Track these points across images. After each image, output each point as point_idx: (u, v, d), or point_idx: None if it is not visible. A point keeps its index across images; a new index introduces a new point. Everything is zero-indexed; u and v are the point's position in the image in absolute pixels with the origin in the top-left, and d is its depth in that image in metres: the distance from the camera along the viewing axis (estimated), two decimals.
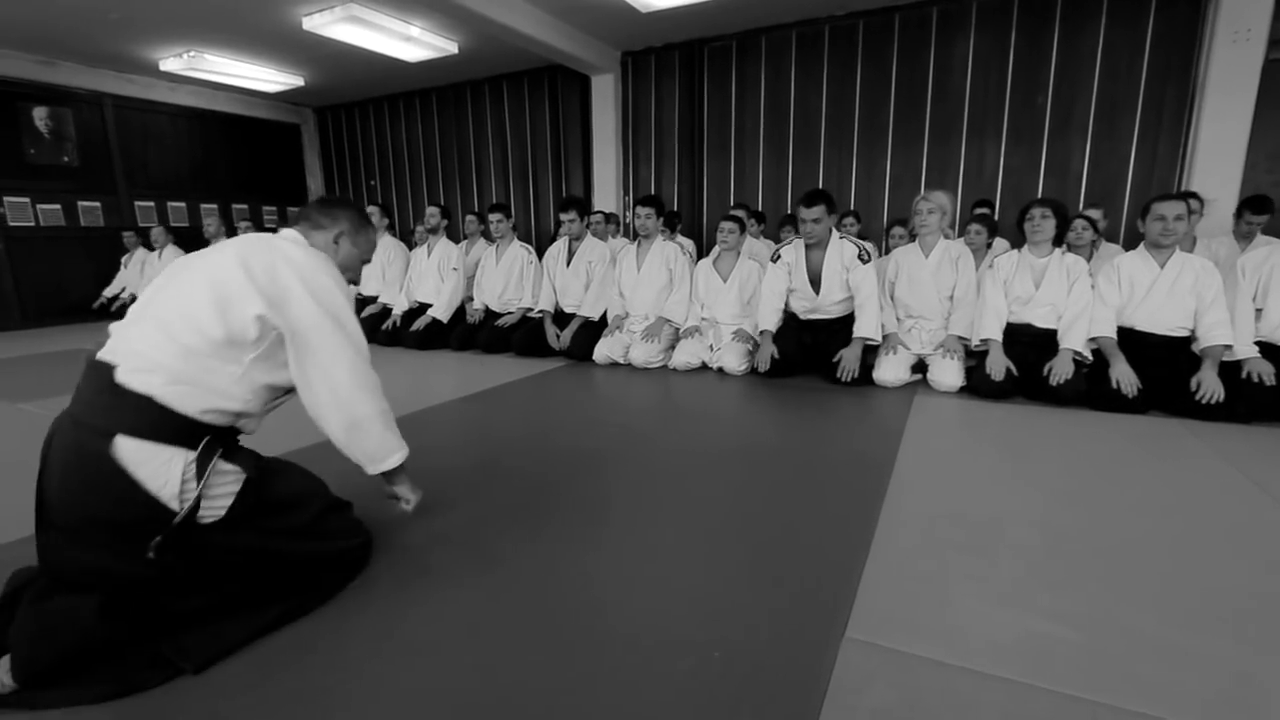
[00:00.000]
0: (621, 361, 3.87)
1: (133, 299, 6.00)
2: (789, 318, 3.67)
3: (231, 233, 6.44)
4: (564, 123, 6.87)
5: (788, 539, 1.67)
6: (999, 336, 3.11)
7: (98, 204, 6.91)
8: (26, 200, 6.39)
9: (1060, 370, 2.89)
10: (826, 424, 2.75)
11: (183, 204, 7.61)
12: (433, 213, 4.89)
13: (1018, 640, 1.23)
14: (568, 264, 4.25)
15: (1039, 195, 4.99)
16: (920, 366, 3.37)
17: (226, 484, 1.25)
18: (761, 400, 3.13)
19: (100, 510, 1.14)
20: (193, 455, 1.19)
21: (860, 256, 3.41)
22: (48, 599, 1.16)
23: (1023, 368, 3.00)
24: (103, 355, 1.22)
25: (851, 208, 5.60)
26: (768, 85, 5.80)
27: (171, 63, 6.24)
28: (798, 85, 5.67)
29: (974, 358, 3.24)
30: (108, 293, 6.76)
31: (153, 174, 7.32)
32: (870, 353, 3.39)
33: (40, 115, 6.40)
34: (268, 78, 6.80)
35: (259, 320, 1.25)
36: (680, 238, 5.37)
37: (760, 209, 5.88)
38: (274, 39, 5.71)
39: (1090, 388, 2.88)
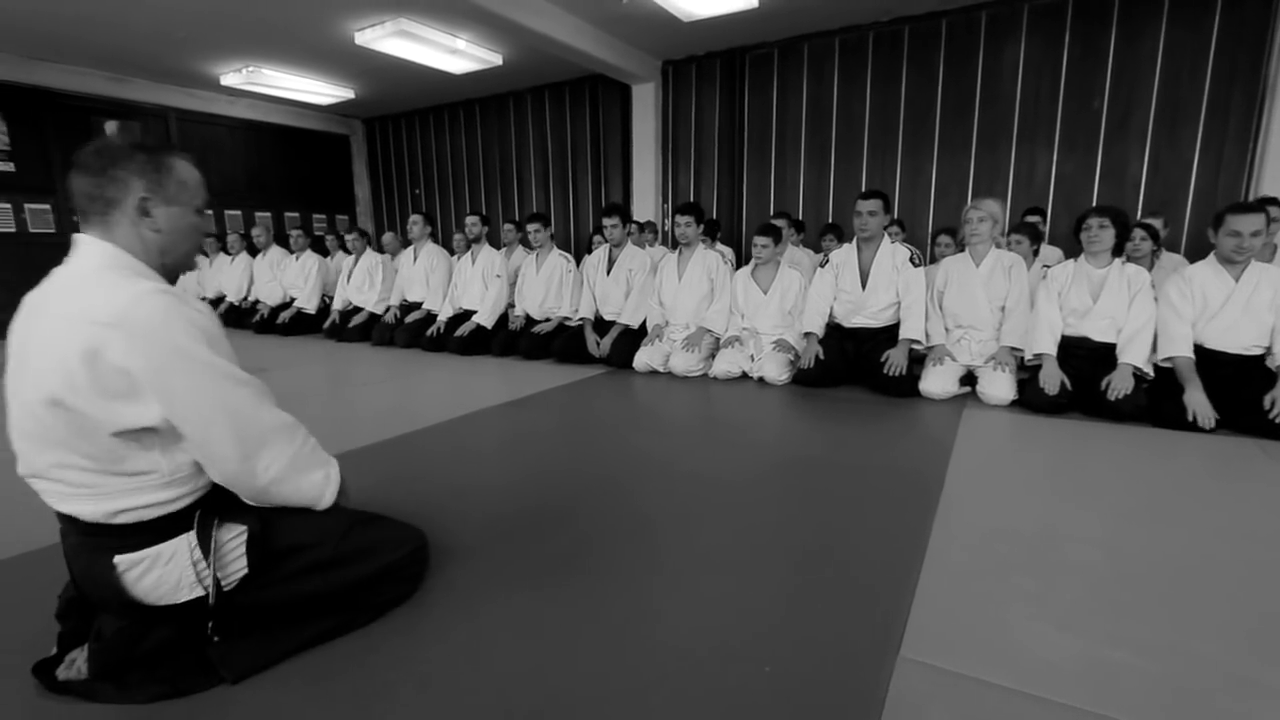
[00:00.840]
0: (661, 370, 3.87)
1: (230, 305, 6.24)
2: (832, 329, 3.61)
3: (280, 241, 6.64)
4: (604, 131, 6.94)
5: (837, 553, 1.64)
6: (1053, 351, 2.99)
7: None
8: None
9: (1119, 386, 2.75)
10: (872, 436, 2.69)
11: (238, 212, 7.94)
12: (473, 221, 5.00)
13: (1081, 665, 1.18)
14: (608, 272, 4.27)
15: (1094, 203, 4.83)
16: (969, 379, 3.26)
17: (238, 544, 1.16)
18: (804, 411, 3.09)
19: (129, 605, 1.13)
20: (192, 536, 1.12)
21: (912, 260, 3.37)
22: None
23: (1078, 382, 2.87)
24: (56, 507, 1.11)
25: (895, 216, 5.51)
26: (810, 92, 5.76)
27: (231, 77, 6.53)
28: (840, 91, 5.62)
29: (1026, 370, 3.13)
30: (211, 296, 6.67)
31: (212, 183, 7.49)
32: (916, 364, 3.31)
33: (111, 129, 6.77)
34: (320, 90, 7.06)
35: (122, 435, 1.04)
36: (720, 246, 5.35)
37: (800, 217, 5.83)
38: (327, 54, 5.93)
39: (1153, 404, 2.73)
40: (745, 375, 3.69)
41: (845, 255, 3.54)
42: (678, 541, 1.71)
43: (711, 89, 6.20)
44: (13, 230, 6.22)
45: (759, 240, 3.72)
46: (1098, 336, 2.97)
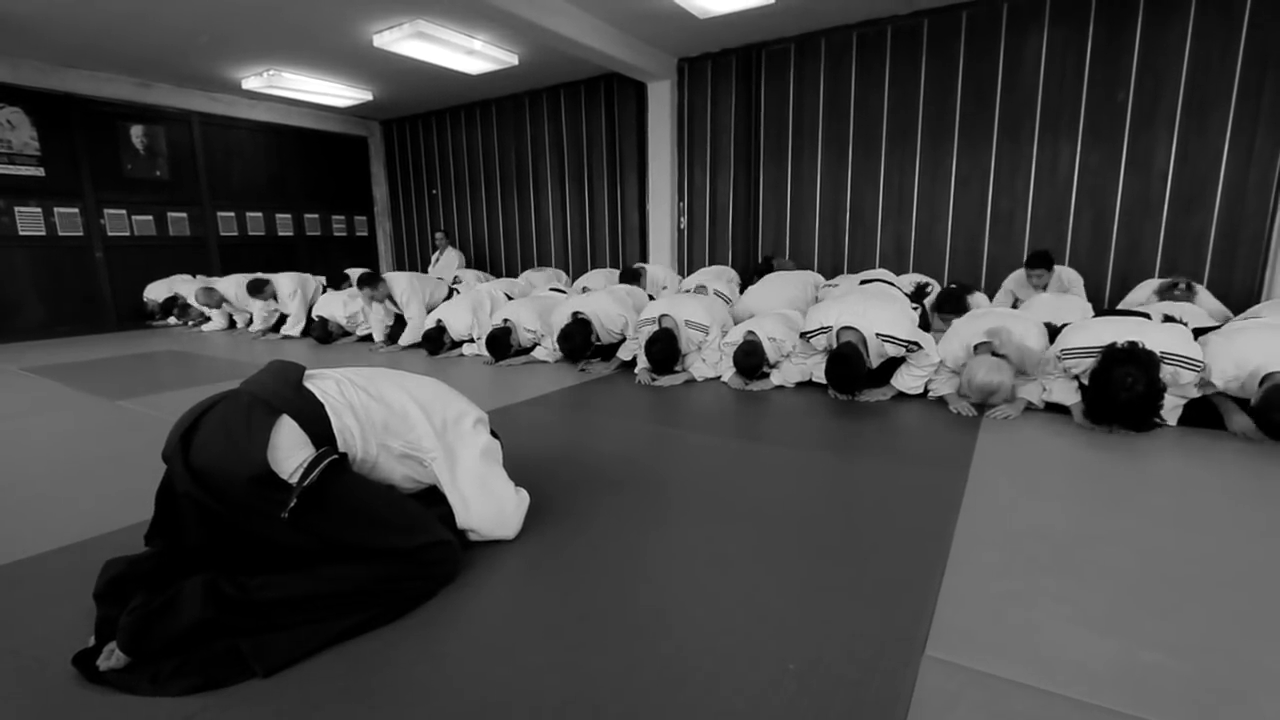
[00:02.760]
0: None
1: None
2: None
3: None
4: (620, 130, 6.94)
5: (860, 551, 1.63)
6: (1077, 398, 2.73)
7: (184, 215, 7.38)
8: (124, 212, 6.90)
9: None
10: (893, 434, 2.66)
11: (259, 214, 8.06)
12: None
13: (1115, 666, 1.16)
14: None
15: (1119, 195, 4.73)
16: None
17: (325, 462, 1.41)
18: (821, 408, 3.06)
19: (234, 468, 1.32)
20: (313, 454, 1.38)
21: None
22: (157, 591, 1.24)
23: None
24: (309, 372, 1.54)
25: (914, 212, 5.46)
26: (827, 86, 5.71)
27: (253, 81, 6.63)
28: (858, 85, 5.55)
29: None
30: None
31: (234, 186, 7.78)
32: None
33: (137, 133, 6.91)
34: (339, 93, 7.14)
35: (427, 454, 1.59)
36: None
37: (818, 213, 5.82)
38: (346, 56, 6.00)
39: (1187, 407, 2.61)
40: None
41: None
42: (700, 539, 1.71)
43: (727, 86, 6.17)
44: (43, 234, 6.36)
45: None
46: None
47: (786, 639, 1.26)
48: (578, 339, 3.89)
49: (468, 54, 5.70)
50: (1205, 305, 3.73)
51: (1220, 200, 4.47)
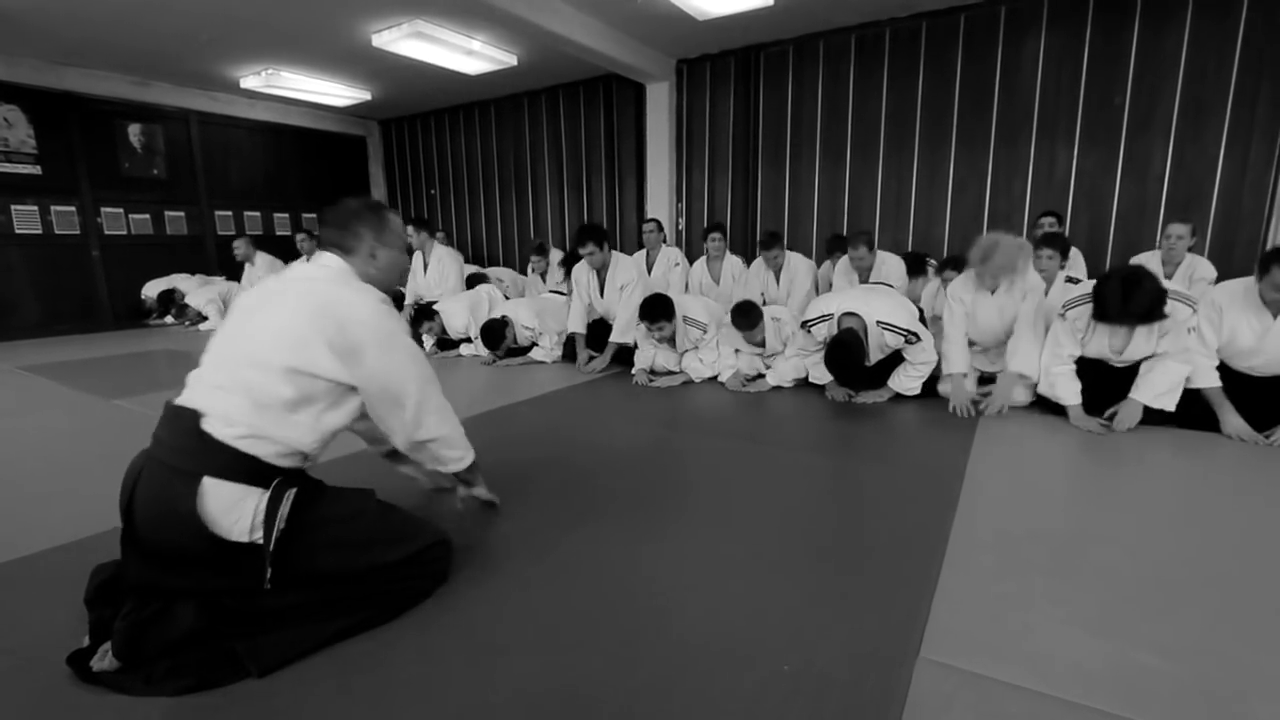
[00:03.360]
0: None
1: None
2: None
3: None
4: (618, 131, 6.94)
5: (856, 552, 1.63)
6: (1077, 400, 2.73)
7: (182, 213, 7.36)
8: (121, 211, 6.88)
9: (1126, 420, 2.60)
10: (889, 435, 2.67)
11: (257, 213, 8.04)
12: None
13: (1109, 668, 1.16)
14: (601, 293, 4.09)
15: (1116, 199, 4.75)
16: (984, 379, 3.17)
17: (287, 504, 1.29)
18: (817, 409, 3.07)
19: (182, 542, 1.24)
20: (265, 495, 1.27)
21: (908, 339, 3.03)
22: (148, 596, 1.24)
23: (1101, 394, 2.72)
24: (184, 402, 1.30)
25: (911, 215, 5.47)
26: (825, 89, 5.71)
27: (251, 80, 6.62)
28: (857, 88, 5.57)
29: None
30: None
31: (231, 185, 7.76)
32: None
33: (134, 132, 6.89)
34: (338, 92, 7.13)
35: (331, 381, 1.36)
36: (732, 257, 5.17)
37: (815, 215, 5.83)
38: (345, 56, 5.99)
39: (1179, 408, 2.60)
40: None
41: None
42: (695, 541, 1.71)
43: (726, 87, 6.18)
44: (39, 232, 6.34)
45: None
46: (1121, 365, 2.75)
47: (781, 640, 1.26)
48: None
49: (466, 54, 5.70)
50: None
51: (1216, 205, 4.49)
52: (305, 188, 8.50)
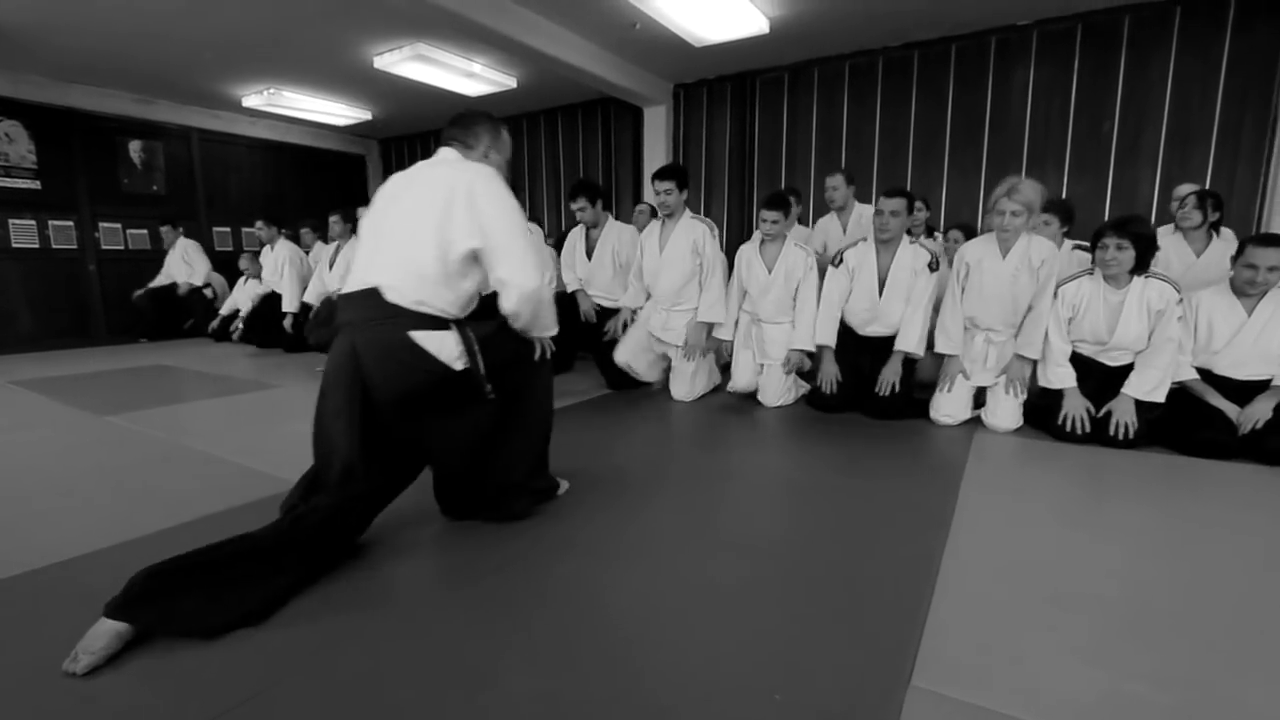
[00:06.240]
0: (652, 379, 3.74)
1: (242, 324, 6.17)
2: (845, 336, 3.37)
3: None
4: (616, 152, 7.03)
5: (846, 580, 1.63)
6: (1072, 383, 2.83)
7: (181, 230, 7.37)
8: (118, 226, 6.91)
9: (1122, 418, 2.67)
10: (880, 461, 2.67)
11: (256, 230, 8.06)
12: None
13: (1100, 699, 1.16)
14: (589, 255, 3.92)
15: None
16: (982, 396, 3.13)
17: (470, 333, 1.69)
18: (807, 433, 3.06)
19: (416, 382, 1.60)
20: (451, 332, 1.64)
21: (930, 265, 3.13)
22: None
23: (1097, 402, 2.78)
24: (362, 285, 1.62)
25: (924, 211, 5.53)
26: (820, 115, 5.81)
27: (253, 99, 6.69)
28: (851, 115, 5.67)
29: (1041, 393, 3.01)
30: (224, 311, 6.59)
31: (231, 202, 7.80)
32: (927, 388, 3.25)
33: (135, 148, 6.94)
34: (339, 112, 7.21)
35: (470, 253, 1.65)
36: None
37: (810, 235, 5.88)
38: (347, 76, 6.07)
39: (1170, 429, 2.69)
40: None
41: (862, 256, 3.25)
42: (682, 565, 1.71)
43: (722, 111, 6.28)
44: (36, 246, 6.35)
45: (766, 214, 3.34)
46: (1113, 363, 2.86)
47: (771, 668, 1.25)
48: None
49: (467, 76, 5.79)
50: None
51: None
52: (304, 205, 8.54)
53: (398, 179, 1.76)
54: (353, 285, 1.65)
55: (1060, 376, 2.85)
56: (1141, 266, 2.70)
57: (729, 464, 2.61)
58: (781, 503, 2.18)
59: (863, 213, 4.13)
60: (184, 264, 6.76)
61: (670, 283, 3.50)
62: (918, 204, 4.36)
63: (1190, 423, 2.67)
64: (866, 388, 3.23)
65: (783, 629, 1.39)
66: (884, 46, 5.38)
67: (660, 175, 3.41)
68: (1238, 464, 2.54)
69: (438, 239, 1.61)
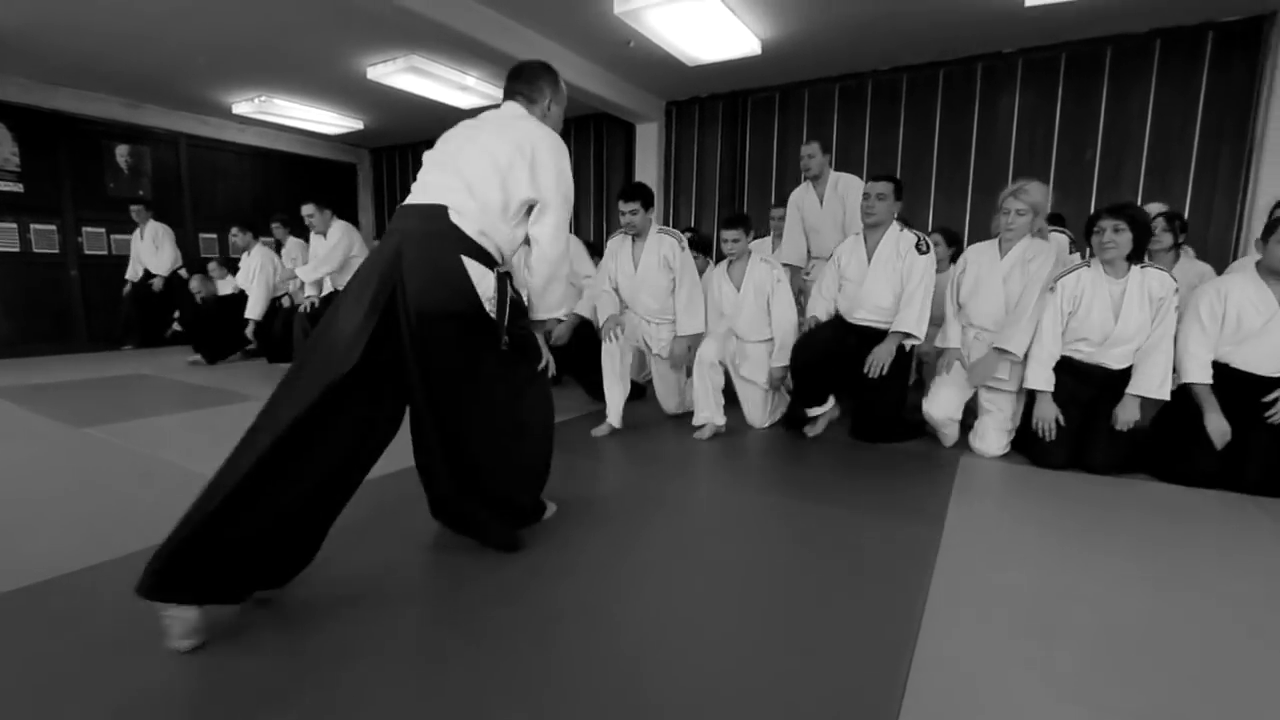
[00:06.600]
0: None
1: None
2: (833, 319, 3.31)
3: None
4: (608, 166, 7.07)
5: (832, 611, 1.63)
6: (1049, 389, 2.75)
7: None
8: (102, 231, 6.82)
9: (1126, 418, 2.62)
10: (866, 481, 2.67)
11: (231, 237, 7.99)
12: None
13: None
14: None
15: (1087, 250, 4.90)
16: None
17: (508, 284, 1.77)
18: (790, 458, 3.04)
19: (450, 304, 1.63)
20: (493, 275, 1.70)
21: (918, 246, 3.03)
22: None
23: (1078, 414, 2.73)
24: (429, 200, 1.68)
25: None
26: (810, 135, 5.87)
27: (243, 106, 6.66)
28: (840, 135, 5.74)
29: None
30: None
31: (218, 208, 7.73)
32: (917, 391, 3.20)
33: (122, 153, 6.87)
34: (330, 121, 7.19)
35: (526, 203, 1.76)
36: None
37: None
38: (339, 86, 6.06)
39: (1158, 456, 2.65)
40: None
41: (852, 245, 3.22)
42: (660, 599, 1.69)
43: (714, 129, 6.34)
44: (17, 250, 6.25)
45: (727, 234, 3.35)
46: (1116, 364, 2.72)
47: (754, 706, 1.25)
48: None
49: (460, 89, 5.80)
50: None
51: None
52: (293, 212, 8.45)
53: (466, 124, 1.85)
54: (417, 199, 1.70)
55: (1041, 379, 2.77)
56: (1138, 254, 2.66)
57: (710, 486, 2.60)
58: (763, 528, 2.17)
59: (838, 180, 3.91)
60: (154, 248, 6.48)
61: (650, 299, 3.49)
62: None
63: (1173, 451, 2.65)
64: (851, 366, 3.08)
65: (764, 666, 1.39)
66: (873, 70, 5.47)
67: (625, 197, 3.36)
68: (1220, 492, 2.55)
69: (502, 183, 1.70)
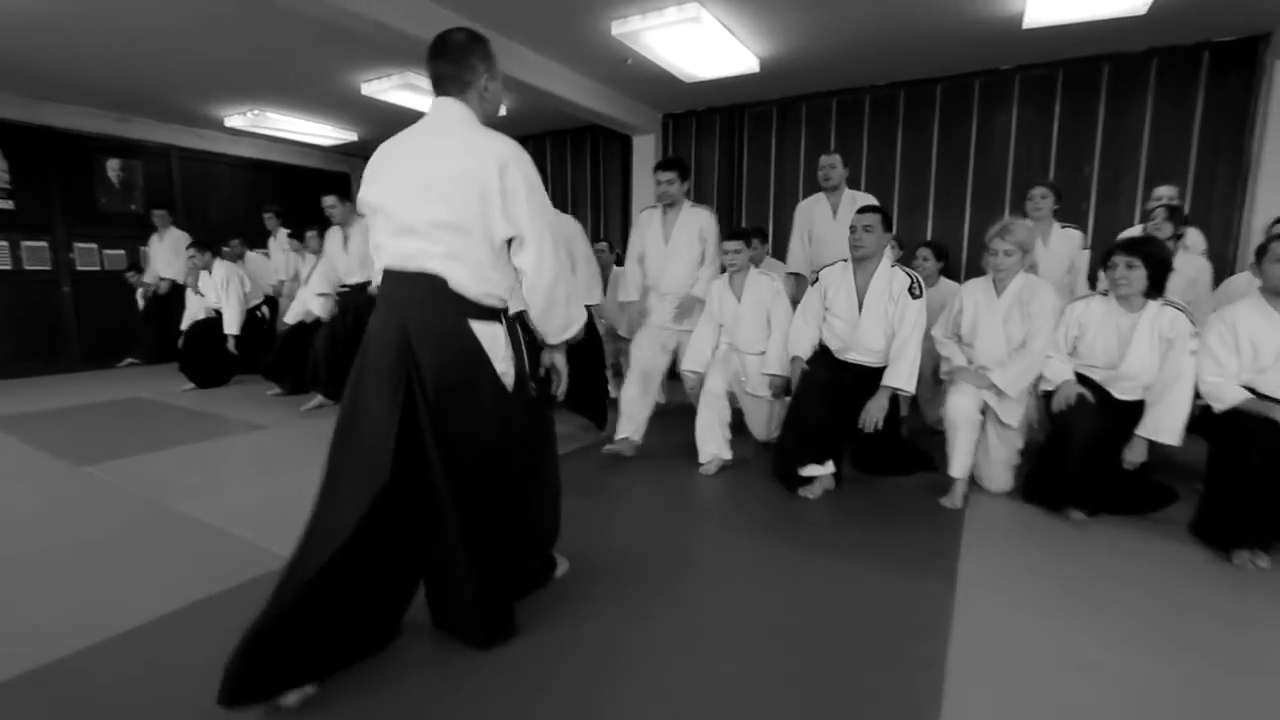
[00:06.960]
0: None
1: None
2: (823, 355, 3.14)
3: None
4: (605, 177, 7.04)
5: (847, 686, 1.60)
6: (1071, 376, 2.67)
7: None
8: (94, 246, 6.74)
9: (1134, 458, 2.55)
10: (872, 531, 2.55)
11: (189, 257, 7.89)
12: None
13: None
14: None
15: (1086, 264, 4.92)
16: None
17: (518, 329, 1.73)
18: (792, 497, 2.89)
19: (464, 374, 1.56)
20: (502, 327, 1.64)
21: (911, 290, 2.90)
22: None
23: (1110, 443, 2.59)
24: (419, 269, 1.55)
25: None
26: (807, 149, 5.88)
27: (236, 119, 6.59)
28: (837, 149, 5.71)
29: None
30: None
31: (210, 220, 7.65)
32: (914, 414, 3.12)
33: (113, 167, 6.79)
34: (324, 133, 7.13)
35: (507, 236, 1.59)
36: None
37: None
38: (333, 100, 6.01)
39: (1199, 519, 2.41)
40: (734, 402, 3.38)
41: (839, 275, 3.05)
42: (658, 670, 1.67)
43: (711, 142, 6.32)
44: (9, 268, 6.18)
45: (728, 245, 3.28)
46: (1122, 396, 2.64)
47: None
48: None
49: None
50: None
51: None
52: (287, 223, 8.38)
53: (403, 151, 1.60)
54: (404, 265, 1.55)
55: (1059, 371, 2.71)
56: (1156, 290, 2.58)
57: (720, 537, 2.52)
58: (768, 586, 2.07)
59: (854, 196, 3.92)
60: (173, 255, 6.21)
61: (677, 273, 3.47)
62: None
63: (1223, 527, 2.34)
64: (848, 407, 2.92)
65: None
66: (870, 85, 5.47)
67: (662, 166, 3.45)
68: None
69: (483, 228, 1.55)
